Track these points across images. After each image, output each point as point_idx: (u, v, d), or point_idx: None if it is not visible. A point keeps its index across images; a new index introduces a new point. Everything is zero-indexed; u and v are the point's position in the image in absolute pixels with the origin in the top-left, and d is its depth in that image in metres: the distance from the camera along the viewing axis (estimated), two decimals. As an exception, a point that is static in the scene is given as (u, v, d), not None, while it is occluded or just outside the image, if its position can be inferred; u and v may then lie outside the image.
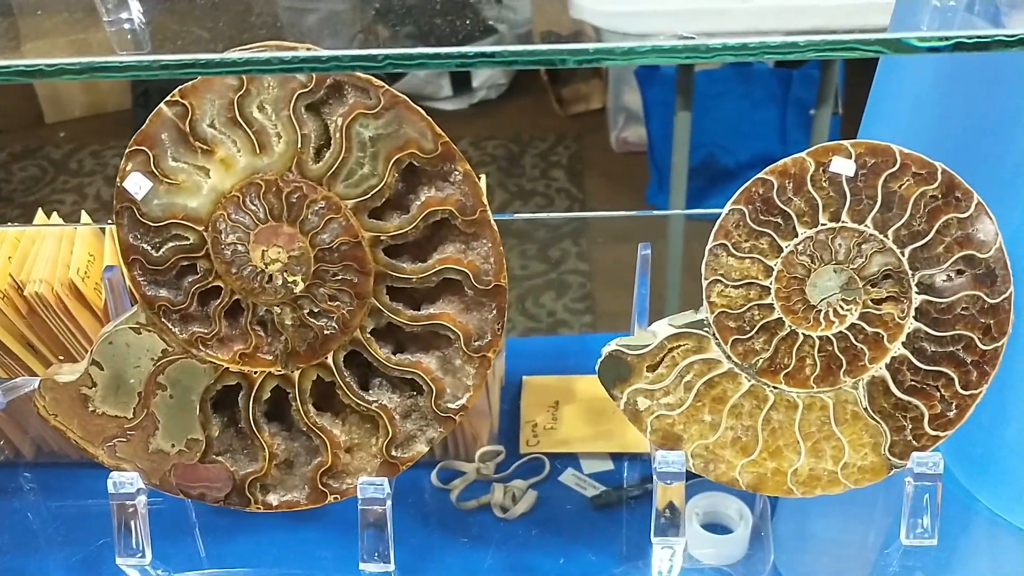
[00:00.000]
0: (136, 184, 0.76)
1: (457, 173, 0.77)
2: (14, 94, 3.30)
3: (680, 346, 0.82)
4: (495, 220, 0.80)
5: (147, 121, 0.76)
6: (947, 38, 0.58)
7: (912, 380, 0.80)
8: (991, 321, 0.79)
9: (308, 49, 0.72)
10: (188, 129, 0.76)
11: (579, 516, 1.01)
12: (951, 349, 0.80)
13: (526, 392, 1.14)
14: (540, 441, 1.08)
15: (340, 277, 0.79)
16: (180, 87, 0.75)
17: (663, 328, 0.82)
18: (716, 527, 0.96)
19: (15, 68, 0.60)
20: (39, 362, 1.00)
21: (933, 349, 0.80)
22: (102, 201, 2.84)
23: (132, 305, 0.83)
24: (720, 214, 0.79)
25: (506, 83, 3.24)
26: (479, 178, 1.13)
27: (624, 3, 1.59)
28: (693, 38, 0.61)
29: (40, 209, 1.11)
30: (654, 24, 1.66)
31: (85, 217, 1.17)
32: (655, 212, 1.33)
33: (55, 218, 1.10)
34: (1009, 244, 0.78)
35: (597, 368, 0.83)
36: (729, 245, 0.79)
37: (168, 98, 0.75)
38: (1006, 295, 0.79)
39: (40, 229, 1.03)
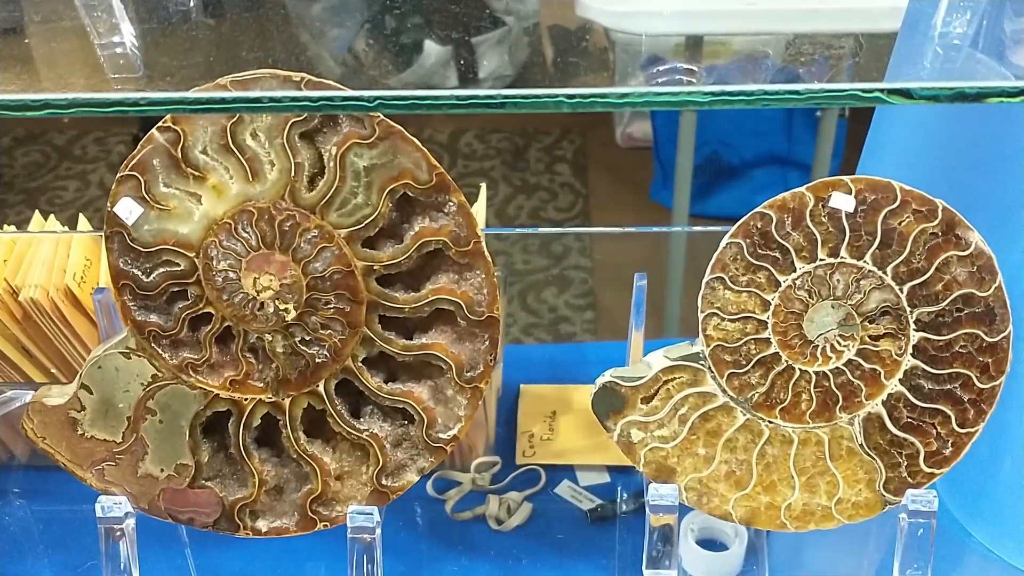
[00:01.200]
0: (127, 209, 0.76)
1: (451, 204, 0.77)
2: (18, 78, 3.28)
3: (675, 379, 0.81)
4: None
5: (139, 146, 0.75)
6: (947, 88, 0.57)
7: (909, 417, 0.80)
8: (989, 360, 0.78)
9: (303, 79, 0.71)
10: (180, 155, 0.75)
11: (574, 529, 1.01)
12: (948, 387, 0.79)
13: (523, 401, 1.13)
14: (536, 452, 1.08)
15: (332, 306, 0.78)
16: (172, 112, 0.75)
17: (658, 360, 0.81)
18: (711, 543, 0.96)
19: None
20: (35, 367, 1.00)
21: (930, 387, 0.79)
22: (105, 188, 2.83)
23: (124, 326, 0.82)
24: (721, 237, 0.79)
25: (512, 75, 3.21)
26: (478, 187, 1.12)
27: (629, 3, 1.57)
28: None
29: (37, 211, 1.10)
30: (658, 25, 1.64)
31: (83, 223, 1.16)
32: (653, 228, 1.33)
33: (52, 222, 1.09)
34: (1008, 282, 0.77)
35: (591, 399, 0.83)
36: (726, 278, 0.78)
37: (160, 124, 0.75)
38: (1005, 334, 0.78)
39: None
